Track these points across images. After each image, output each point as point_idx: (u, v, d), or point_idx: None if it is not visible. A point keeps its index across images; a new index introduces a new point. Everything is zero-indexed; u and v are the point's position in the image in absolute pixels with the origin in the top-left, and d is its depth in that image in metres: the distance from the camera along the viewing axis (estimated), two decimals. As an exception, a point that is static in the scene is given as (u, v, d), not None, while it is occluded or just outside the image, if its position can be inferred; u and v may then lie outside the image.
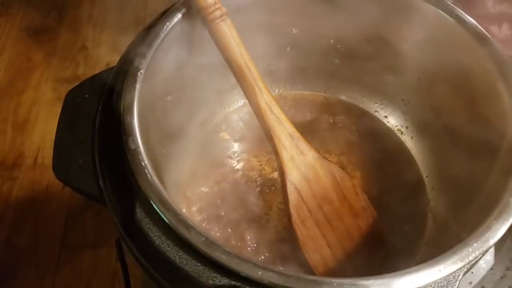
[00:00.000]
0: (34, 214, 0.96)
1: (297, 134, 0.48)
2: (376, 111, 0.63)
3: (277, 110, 0.47)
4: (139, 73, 0.43)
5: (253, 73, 0.46)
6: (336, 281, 0.33)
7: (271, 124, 0.47)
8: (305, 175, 0.49)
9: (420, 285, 0.33)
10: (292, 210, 0.48)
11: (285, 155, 0.48)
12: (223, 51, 0.46)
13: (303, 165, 0.48)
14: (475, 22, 0.49)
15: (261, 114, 0.47)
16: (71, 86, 0.49)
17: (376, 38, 0.57)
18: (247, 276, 0.33)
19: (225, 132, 0.60)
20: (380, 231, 0.51)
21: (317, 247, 0.48)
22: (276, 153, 0.48)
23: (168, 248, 0.35)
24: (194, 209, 0.53)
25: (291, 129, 0.48)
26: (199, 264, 0.34)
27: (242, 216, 0.53)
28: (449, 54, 0.51)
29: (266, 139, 0.49)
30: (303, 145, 0.49)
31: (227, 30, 0.46)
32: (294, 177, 0.48)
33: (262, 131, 0.49)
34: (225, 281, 0.34)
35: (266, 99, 0.47)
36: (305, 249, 0.48)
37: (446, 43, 0.51)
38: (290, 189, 0.48)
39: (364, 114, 0.62)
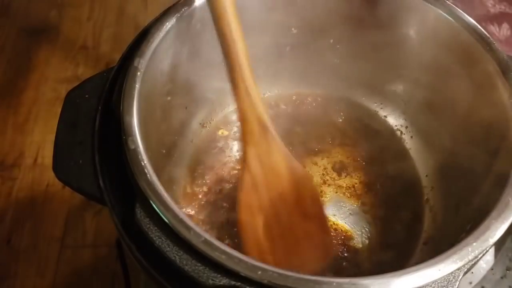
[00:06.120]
0: (34, 214, 0.96)
1: (268, 123, 0.46)
2: (376, 111, 0.63)
3: (254, 93, 0.45)
4: (139, 73, 0.43)
5: (238, 48, 0.44)
6: (335, 280, 0.33)
7: (244, 106, 0.45)
8: (265, 165, 0.47)
9: (420, 285, 0.33)
10: (242, 197, 0.46)
11: (250, 140, 0.46)
12: (216, 21, 0.45)
13: (266, 156, 0.47)
14: (475, 22, 0.49)
15: (237, 93, 0.45)
16: (71, 86, 0.49)
17: (376, 38, 0.57)
18: (247, 276, 0.33)
19: (225, 131, 0.60)
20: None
21: (256, 236, 0.46)
22: (242, 137, 0.47)
23: (168, 248, 0.35)
24: (194, 208, 0.53)
25: (263, 116, 0.46)
26: (199, 264, 0.34)
27: (242, 216, 0.53)
28: (449, 54, 0.51)
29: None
30: (272, 135, 0.47)
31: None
32: (254, 165, 0.47)
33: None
34: (225, 281, 0.34)
35: (245, 77, 0.45)
36: (243, 235, 0.46)
37: (446, 43, 0.51)
38: (246, 177, 0.46)
39: (364, 114, 0.62)
